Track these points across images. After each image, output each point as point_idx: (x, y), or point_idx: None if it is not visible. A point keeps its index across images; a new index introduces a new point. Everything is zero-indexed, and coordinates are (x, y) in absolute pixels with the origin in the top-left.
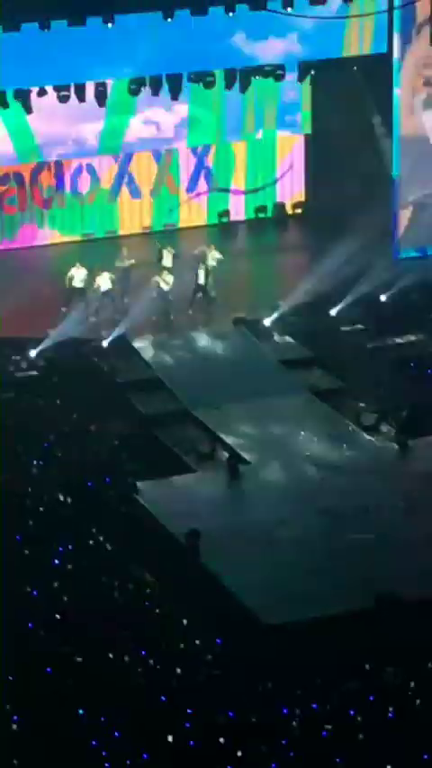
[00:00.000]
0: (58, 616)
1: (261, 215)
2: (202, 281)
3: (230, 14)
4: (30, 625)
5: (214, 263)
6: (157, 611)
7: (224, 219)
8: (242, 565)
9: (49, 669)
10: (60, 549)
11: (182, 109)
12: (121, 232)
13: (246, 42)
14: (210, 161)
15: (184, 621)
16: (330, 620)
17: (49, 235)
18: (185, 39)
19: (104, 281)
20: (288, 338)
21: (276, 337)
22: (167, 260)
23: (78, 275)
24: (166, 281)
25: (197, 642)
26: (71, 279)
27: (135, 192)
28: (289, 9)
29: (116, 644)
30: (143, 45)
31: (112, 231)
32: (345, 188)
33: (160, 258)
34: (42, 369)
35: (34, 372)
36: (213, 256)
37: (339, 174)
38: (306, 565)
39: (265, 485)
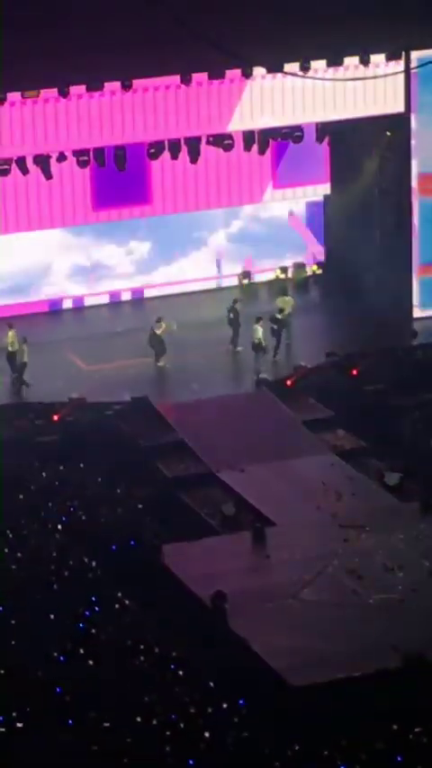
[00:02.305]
0: (84, 680)
1: (281, 275)
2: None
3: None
4: (58, 690)
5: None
6: (184, 673)
7: (245, 281)
8: (268, 626)
9: (76, 733)
10: (86, 612)
11: None
12: None
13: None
14: None
15: (211, 684)
16: (357, 681)
17: None
18: (204, 102)
19: None
20: (311, 399)
21: (299, 398)
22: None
23: None
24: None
25: (224, 705)
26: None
27: None
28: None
29: (143, 708)
30: (161, 109)
31: None
32: (362, 247)
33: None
34: (66, 433)
35: (58, 437)
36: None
37: (357, 232)
38: (332, 625)
39: (290, 546)
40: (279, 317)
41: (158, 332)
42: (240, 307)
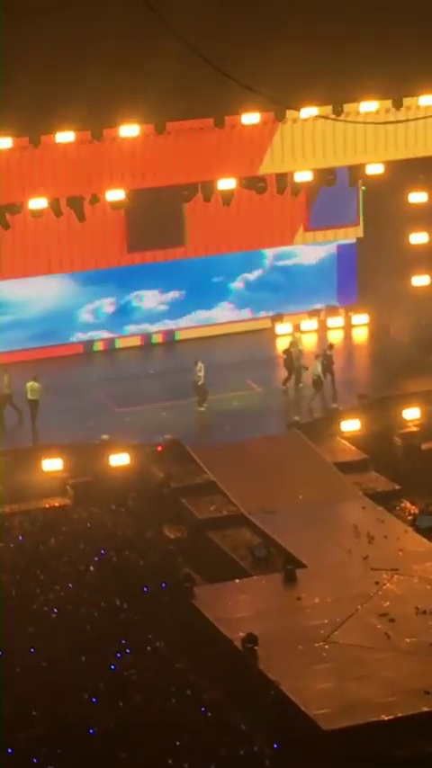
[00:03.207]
0: (115, 723)
1: (313, 317)
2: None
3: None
4: (90, 731)
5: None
6: (215, 716)
7: (278, 323)
8: (299, 669)
9: None
10: (117, 654)
11: None
12: None
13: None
14: None
15: (243, 727)
16: (390, 725)
17: None
18: (237, 145)
19: None
20: (343, 441)
21: (331, 440)
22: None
23: None
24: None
25: (256, 748)
26: None
27: None
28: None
29: (175, 750)
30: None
31: None
32: (395, 288)
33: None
34: (95, 475)
35: (89, 478)
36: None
37: (389, 275)
38: (363, 669)
39: (322, 588)
40: (329, 353)
41: (200, 374)
42: (295, 349)
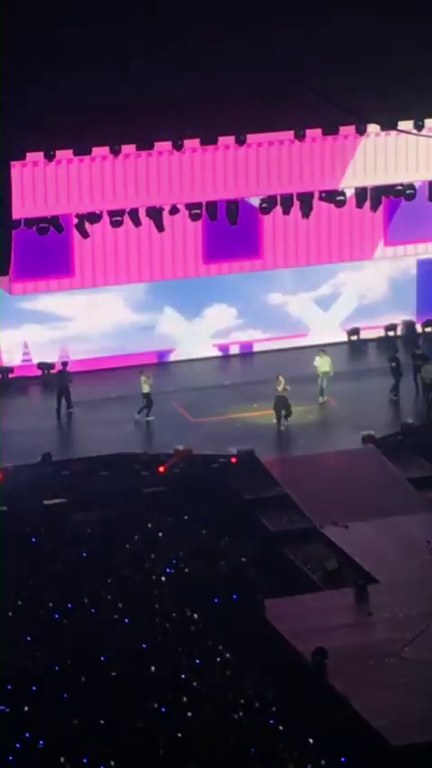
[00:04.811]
0: (183, 732)
1: (390, 333)
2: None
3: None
4: (158, 742)
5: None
6: (284, 729)
7: (354, 337)
8: (369, 684)
9: None
10: (187, 664)
11: None
12: None
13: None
14: None
15: (311, 740)
16: None
17: None
18: (317, 158)
19: None
20: (417, 456)
21: (405, 455)
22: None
23: None
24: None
25: (323, 762)
26: None
27: None
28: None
29: (244, 762)
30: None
31: None
32: None
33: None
34: (171, 484)
35: (163, 488)
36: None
37: None
38: None
39: (393, 604)
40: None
41: (279, 389)
42: (402, 356)
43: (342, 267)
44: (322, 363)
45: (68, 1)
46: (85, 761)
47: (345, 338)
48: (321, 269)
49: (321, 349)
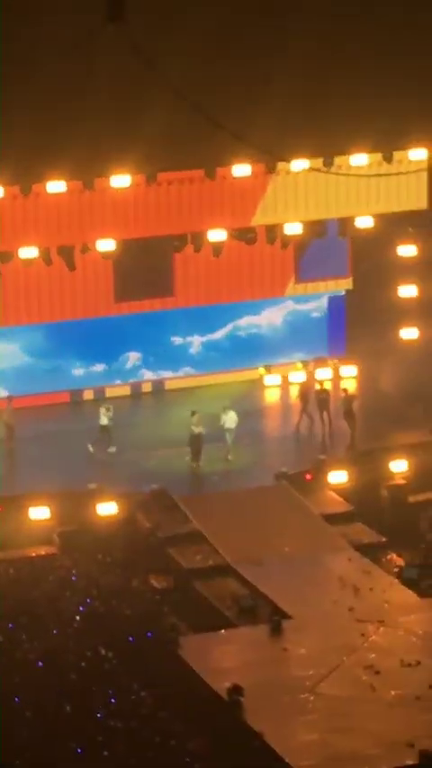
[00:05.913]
0: None
1: (302, 369)
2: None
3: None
4: None
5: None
6: (200, 766)
7: (266, 373)
8: (284, 721)
9: None
10: (102, 704)
11: None
12: None
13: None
14: None
15: None
16: None
17: None
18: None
19: None
20: (331, 492)
21: (318, 491)
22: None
23: None
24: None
25: None
26: None
27: None
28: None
29: None
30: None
31: None
32: (383, 340)
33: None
34: (82, 523)
35: (74, 528)
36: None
37: (378, 327)
38: (348, 721)
39: (307, 640)
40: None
41: (194, 429)
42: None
43: (255, 304)
44: (228, 420)
45: None
46: None
47: (257, 375)
48: (233, 306)
49: (225, 405)
